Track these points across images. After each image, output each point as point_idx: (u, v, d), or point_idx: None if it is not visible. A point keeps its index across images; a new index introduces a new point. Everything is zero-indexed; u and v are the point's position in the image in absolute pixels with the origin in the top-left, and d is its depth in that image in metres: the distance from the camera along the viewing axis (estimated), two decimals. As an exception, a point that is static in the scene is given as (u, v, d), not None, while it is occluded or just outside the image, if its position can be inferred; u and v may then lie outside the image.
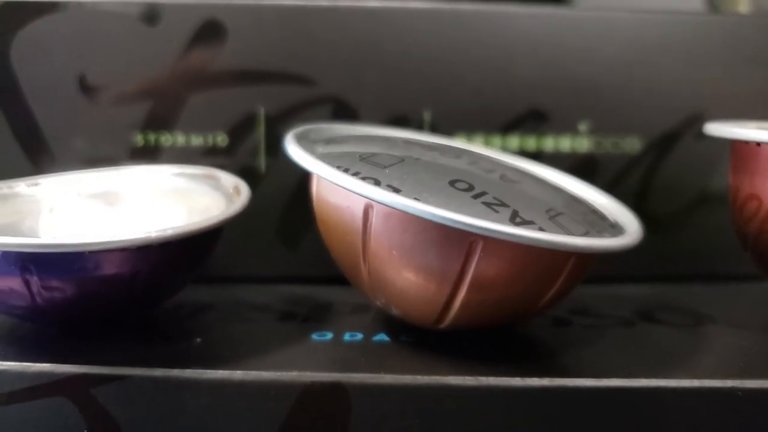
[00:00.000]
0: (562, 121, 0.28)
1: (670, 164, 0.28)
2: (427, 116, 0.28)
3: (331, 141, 0.22)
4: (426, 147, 0.22)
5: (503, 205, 0.19)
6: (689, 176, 0.28)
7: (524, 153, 0.28)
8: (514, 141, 0.28)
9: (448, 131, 0.28)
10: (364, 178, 0.19)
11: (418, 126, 0.28)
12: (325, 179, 0.19)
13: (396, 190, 0.19)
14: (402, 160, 0.20)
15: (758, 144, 0.21)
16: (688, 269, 0.29)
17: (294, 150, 0.20)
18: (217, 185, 0.24)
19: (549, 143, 0.28)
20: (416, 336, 0.21)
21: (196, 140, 0.27)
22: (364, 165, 0.20)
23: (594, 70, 0.28)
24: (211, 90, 0.27)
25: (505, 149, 0.28)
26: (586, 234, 0.19)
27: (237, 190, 0.23)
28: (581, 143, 0.28)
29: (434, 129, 0.28)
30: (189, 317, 0.23)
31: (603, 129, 0.28)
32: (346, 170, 0.19)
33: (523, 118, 0.28)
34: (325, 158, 0.20)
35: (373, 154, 0.20)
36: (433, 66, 0.27)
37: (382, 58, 0.27)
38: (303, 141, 0.21)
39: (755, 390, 0.19)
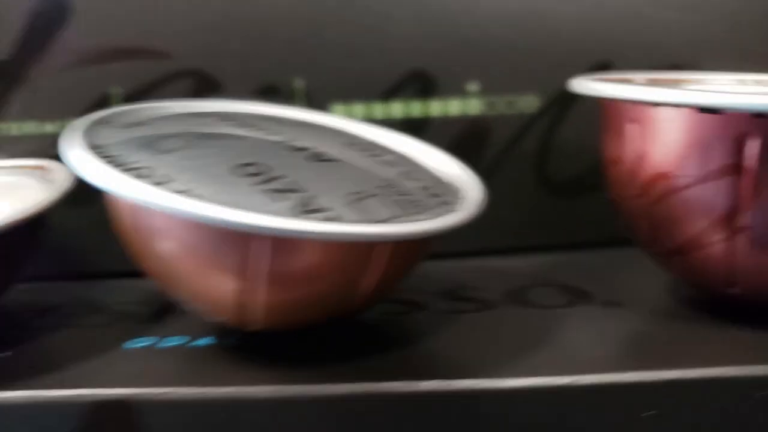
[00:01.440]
0: (449, 82, 0.25)
1: (571, 123, 0.25)
2: (299, 85, 0.25)
3: (133, 125, 0.19)
4: (249, 124, 0.20)
5: (294, 191, 0.16)
6: (592, 137, 0.26)
7: (409, 120, 0.25)
8: (397, 108, 0.26)
9: (323, 101, 0.25)
10: (129, 170, 0.16)
11: (290, 96, 0.25)
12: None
13: (167, 182, 0.16)
14: (194, 142, 0.18)
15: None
16: (591, 236, 0.26)
17: (65, 138, 0.18)
18: (49, 177, 0.22)
19: (436, 108, 0.26)
20: (242, 338, 0.19)
21: (50, 127, 0.25)
22: (144, 153, 0.17)
23: (480, 23, 0.25)
24: (59, 72, 0.25)
25: (388, 117, 0.25)
26: (392, 218, 0.17)
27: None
28: (472, 105, 0.26)
29: (309, 99, 0.25)
30: None
31: (495, 88, 0.25)
32: (111, 159, 0.17)
33: (405, 82, 0.25)
34: (103, 147, 0.17)
35: (165, 137, 0.18)
36: (301, 28, 0.25)
37: (244, 22, 0.25)
38: (101, 125, 0.19)
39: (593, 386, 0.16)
